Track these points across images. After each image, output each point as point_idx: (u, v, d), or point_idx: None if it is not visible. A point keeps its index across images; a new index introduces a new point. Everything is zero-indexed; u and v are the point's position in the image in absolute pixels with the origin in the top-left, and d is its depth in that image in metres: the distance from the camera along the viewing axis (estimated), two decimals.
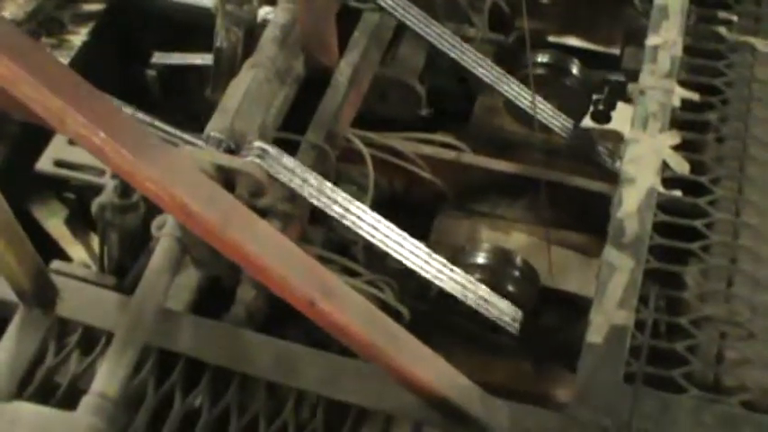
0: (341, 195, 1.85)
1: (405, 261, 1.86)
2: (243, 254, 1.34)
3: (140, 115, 1.89)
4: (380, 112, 2.32)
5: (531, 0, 2.27)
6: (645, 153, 1.90)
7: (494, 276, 1.99)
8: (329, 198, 1.84)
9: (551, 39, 2.53)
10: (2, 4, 2.99)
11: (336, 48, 2.15)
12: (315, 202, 1.83)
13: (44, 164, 1.97)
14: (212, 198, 1.33)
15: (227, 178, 1.72)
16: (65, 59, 2.37)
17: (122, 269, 1.88)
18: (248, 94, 1.89)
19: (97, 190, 1.85)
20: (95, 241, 2.06)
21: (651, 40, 2.09)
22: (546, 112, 2.28)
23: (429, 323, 1.95)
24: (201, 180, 1.35)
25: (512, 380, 1.97)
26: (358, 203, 1.86)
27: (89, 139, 1.24)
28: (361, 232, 1.84)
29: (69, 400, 1.56)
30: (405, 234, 1.87)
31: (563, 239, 2.18)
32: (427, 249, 1.89)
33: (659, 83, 2.01)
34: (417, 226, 2.17)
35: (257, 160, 1.77)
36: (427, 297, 1.98)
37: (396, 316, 1.89)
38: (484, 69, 2.25)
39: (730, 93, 2.04)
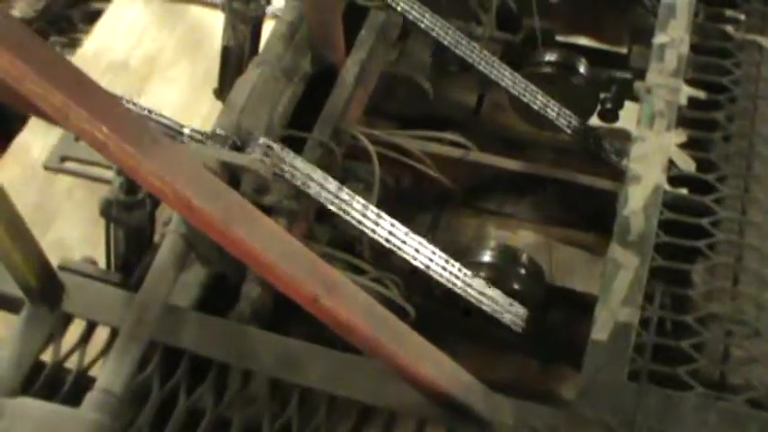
0: (346, 193, 1.85)
1: (409, 259, 1.86)
2: (245, 249, 1.34)
3: (144, 110, 1.89)
4: (388, 109, 2.32)
5: None
6: (651, 151, 1.89)
7: (500, 274, 1.99)
8: (334, 195, 1.84)
9: (559, 37, 2.52)
10: (12, 2, 3.00)
11: (343, 45, 2.14)
12: (320, 199, 1.83)
13: (51, 160, 1.97)
14: (215, 193, 1.32)
15: (232, 175, 1.72)
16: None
17: (129, 266, 1.88)
18: (255, 91, 1.89)
19: None
20: None
21: (658, 39, 2.09)
22: (553, 111, 2.28)
23: (435, 321, 1.95)
24: (204, 175, 1.34)
25: (517, 377, 1.97)
26: (363, 201, 1.86)
27: (92, 134, 1.25)
28: (365, 229, 1.84)
29: (74, 396, 1.56)
30: (410, 232, 1.87)
31: (570, 238, 2.18)
32: (433, 248, 1.88)
33: (666, 81, 2.01)
34: (424, 224, 2.17)
35: (263, 157, 1.77)
36: (433, 295, 1.98)
37: (401, 314, 1.88)
38: (491, 67, 2.25)
39: (737, 91, 2.04)
